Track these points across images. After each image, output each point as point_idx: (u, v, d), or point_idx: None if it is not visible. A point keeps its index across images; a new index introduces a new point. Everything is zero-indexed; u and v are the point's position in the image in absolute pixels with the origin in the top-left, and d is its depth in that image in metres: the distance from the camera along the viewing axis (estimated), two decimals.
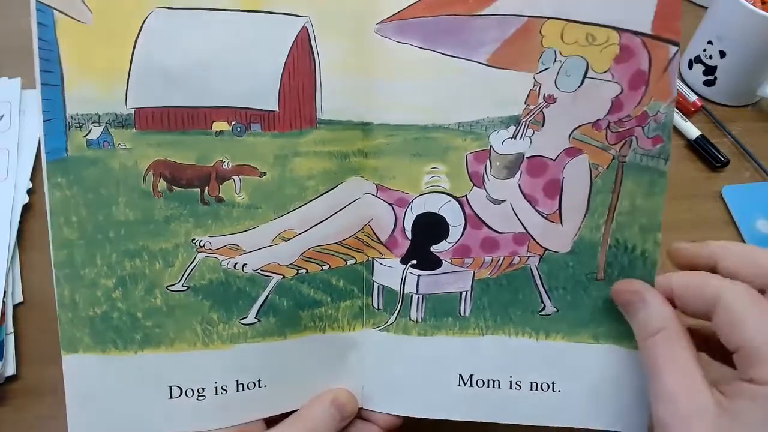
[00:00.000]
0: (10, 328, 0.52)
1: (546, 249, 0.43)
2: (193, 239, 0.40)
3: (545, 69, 0.41)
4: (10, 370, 0.50)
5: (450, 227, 0.42)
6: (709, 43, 0.72)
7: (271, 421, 0.41)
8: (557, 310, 0.43)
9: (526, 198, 0.42)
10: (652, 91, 0.41)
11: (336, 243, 0.42)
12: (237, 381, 0.41)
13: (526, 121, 0.41)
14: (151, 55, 0.38)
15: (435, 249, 0.43)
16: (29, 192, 0.61)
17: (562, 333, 0.43)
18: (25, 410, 0.49)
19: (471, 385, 0.43)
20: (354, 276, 0.42)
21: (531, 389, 0.43)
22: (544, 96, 0.41)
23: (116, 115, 0.38)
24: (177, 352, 0.40)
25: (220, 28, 0.39)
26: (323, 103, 0.40)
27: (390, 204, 0.42)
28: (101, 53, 0.38)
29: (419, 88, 0.41)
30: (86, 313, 0.39)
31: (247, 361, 0.41)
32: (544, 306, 0.43)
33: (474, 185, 0.42)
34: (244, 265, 0.41)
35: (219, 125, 0.39)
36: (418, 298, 0.43)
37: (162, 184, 0.39)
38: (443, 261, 0.43)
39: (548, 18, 0.40)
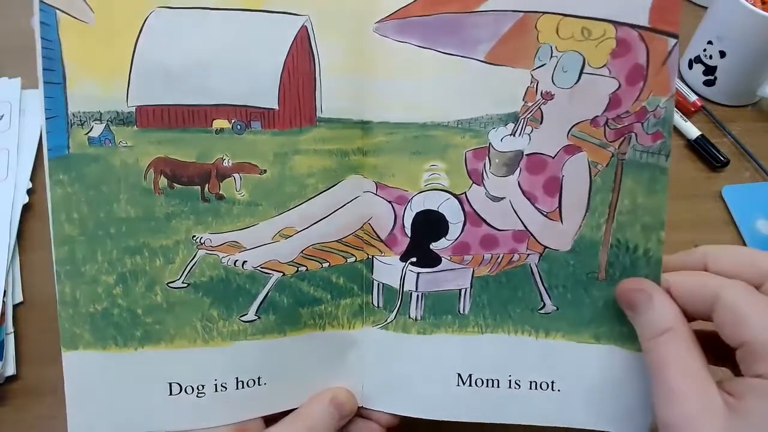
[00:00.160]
0: (10, 328, 0.52)
1: (546, 247, 0.42)
2: (194, 236, 0.40)
3: (542, 65, 0.40)
4: (10, 370, 0.50)
5: (449, 224, 0.42)
6: (709, 43, 0.72)
7: (270, 420, 0.41)
8: (557, 309, 0.42)
9: (525, 195, 0.42)
10: (650, 86, 0.40)
11: (336, 241, 0.42)
12: (237, 378, 0.41)
13: (524, 118, 0.41)
14: (152, 54, 0.38)
15: (434, 246, 0.42)
16: (29, 192, 0.60)
17: (562, 332, 0.42)
18: (25, 410, 0.48)
19: (470, 385, 0.43)
20: (354, 274, 0.42)
21: (530, 388, 0.42)
22: (541, 93, 0.40)
23: (117, 112, 0.38)
24: (177, 348, 0.40)
25: (220, 26, 0.38)
26: (323, 101, 0.40)
27: (389, 202, 0.42)
28: (103, 52, 0.38)
29: (418, 87, 0.41)
30: (87, 310, 0.39)
31: (247, 359, 0.41)
32: (544, 304, 0.42)
33: (473, 183, 0.42)
34: (245, 262, 0.40)
35: (219, 123, 0.39)
36: (418, 295, 0.42)
37: (163, 181, 0.39)
38: (442, 258, 0.42)
39: (543, 13, 0.39)
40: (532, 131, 0.41)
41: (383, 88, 0.40)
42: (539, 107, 0.41)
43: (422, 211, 0.42)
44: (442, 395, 0.43)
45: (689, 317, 0.38)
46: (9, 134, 0.65)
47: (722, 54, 0.71)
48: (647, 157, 0.40)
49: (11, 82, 0.69)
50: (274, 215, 0.40)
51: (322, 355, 0.42)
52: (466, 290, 0.43)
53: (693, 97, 0.74)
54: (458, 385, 0.43)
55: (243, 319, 0.40)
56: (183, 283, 0.40)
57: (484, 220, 0.42)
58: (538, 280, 0.42)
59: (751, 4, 0.65)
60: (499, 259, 0.43)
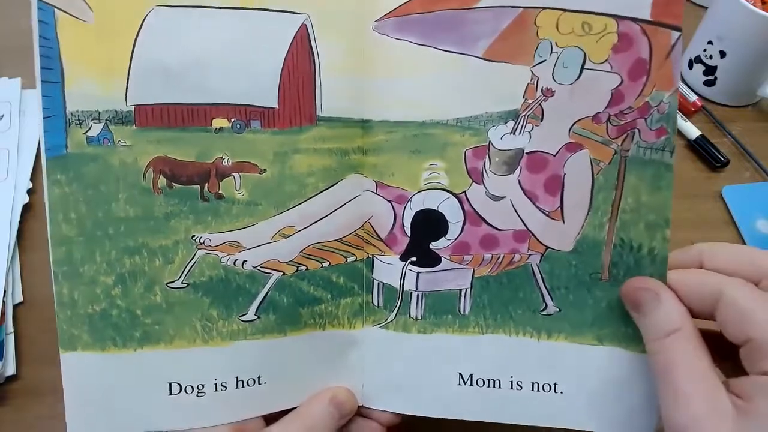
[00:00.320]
0: (10, 328, 0.51)
1: (547, 247, 0.41)
2: (193, 236, 0.39)
3: (542, 61, 0.39)
4: (10, 370, 0.49)
5: (449, 224, 0.41)
6: (709, 43, 0.71)
7: (270, 419, 0.40)
8: (559, 310, 0.41)
9: (526, 194, 0.40)
10: (654, 81, 0.38)
11: (336, 240, 0.41)
12: (237, 378, 0.40)
13: (524, 115, 0.39)
14: (151, 53, 0.37)
15: (434, 246, 0.41)
16: (29, 192, 0.59)
17: (564, 333, 0.41)
18: (25, 410, 0.48)
19: (471, 384, 0.42)
20: (354, 273, 0.41)
21: (532, 390, 0.41)
22: (542, 89, 0.39)
23: (116, 112, 0.37)
24: (176, 349, 0.39)
25: (219, 25, 0.37)
26: (323, 100, 0.39)
27: (389, 201, 0.41)
28: (101, 51, 0.36)
29: (417, 85, 0.39)
30: (85, 311, 0.38)
31: (246, 358, 0.40)
32: (546, 305, 0.41)
33: (473, 182, 0.40)
34: (244, 261, 0.39)
35: (219, 122, 0.38)
36: (418, 295, 0.41)
37: (162, 180, 0.38)
38: (442, 258, 0.41)
39: (543, 8, 0.38)
40: (532, 129, 0.40)
41: (383, 87, 0.39)
42: (540, 104, 0.39)
43: (422, 210, 0.41)
44: (443, 394, 0.42)
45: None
46: (9, 134, 0.64)
47: (722, 54, 0.70)
48: (651, 153, 0.39)
49: (11, 82, 0.68)
50: (274, 214, 0.39)
51: (322, 355, 0.41)
52: (466, 290, 0.42)
53: (693, 97, 0.73)
54: (459, 384, 0.42)
55: (243, 318, 0.39)
56: (182, 283, 0.39)
57: (484, 220, 0.41)
58: (540, 280, 0.41)
59: (751, 4, 0.64)
60: (500, 260, 0.41)
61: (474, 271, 0.41)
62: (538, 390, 0.41)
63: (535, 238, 0.41)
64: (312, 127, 0.39)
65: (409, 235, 0.41)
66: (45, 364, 0.48)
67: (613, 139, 0.39)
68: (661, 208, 0.39)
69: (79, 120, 0.37)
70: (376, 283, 0.42)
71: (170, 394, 0.39)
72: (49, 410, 0.46)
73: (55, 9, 0.36)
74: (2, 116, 0.65)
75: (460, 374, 0.42)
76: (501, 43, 0.39)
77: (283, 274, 0.40)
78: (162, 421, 0.39)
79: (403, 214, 0.41)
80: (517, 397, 0.41)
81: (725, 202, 0.64)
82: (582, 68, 0.38)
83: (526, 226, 0.41)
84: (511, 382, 0.41)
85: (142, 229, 0.38)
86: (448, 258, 0.41)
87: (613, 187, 0.40)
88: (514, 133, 0.40)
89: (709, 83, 0.73)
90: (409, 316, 0.41)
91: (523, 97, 0.39)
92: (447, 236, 0.41)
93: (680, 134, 0.70)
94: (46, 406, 0.47)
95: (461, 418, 0.42)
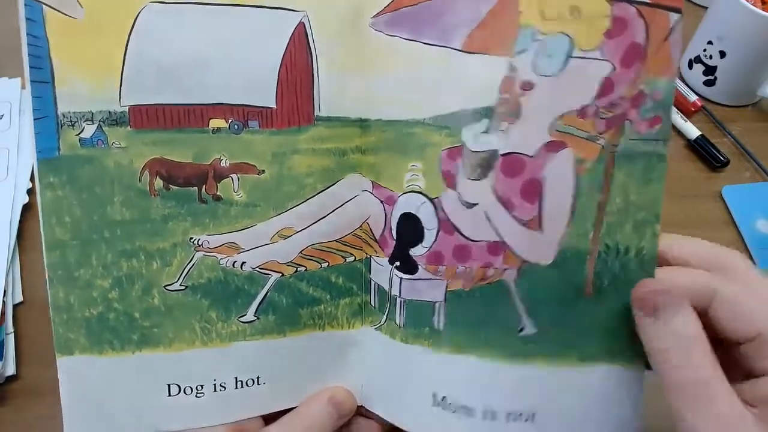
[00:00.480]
0: (10, 328, 0.49)
1: (525, 260, 0.36)
2: (191, 238, 0.37)
3: (522, 51, 0.34)
4: (10, 370, 0.47)
5: (425, 230, 0.37)
6: (709, 43, 0.69)
7: (269, 419, 0.39)
8: (539, 331, 0.36)
9: (500, 201, 0.36)
10: (649, 66, 0.33)
11: (335, 240, 0.39)
12: (236, 378, 0.38)
13: (499, 113, 0.35)
14: (145, 51, 0.35)
15: (413, 252, 0.38)
16: (29, 192, 0.58)
17: (543, 356, 0.36)
18: (25, 410, 0.46)
19: (444, 408, 0.38)
20: (353, 273, 0.40)
21: (507, 420, 0.37)
22: (520, 83, 0.34)
23: (110, 112, 0.35)
24: (175, 351, 0.37)
25: (215, 23, 0.35)
26: (321, 99, 0.37)
27: (382, 202, 0.39)
28: (93, 49, 0.34)
29: (403, 81, 0.37)
30: (82, 315, 0.36)
31: (246, 359, 0.38)
32: (524, 326, 0.36)
33: (447, 186, 0.37)
34: (243, 263, 0.38)
35: (216, 122, 0.36)
36: (401, 301, 0.39)
37: (158, 182, 0.36)
38: (419, 266, 0.38)
39: None
40: (507, 128, 0.35)
41: (378, 85, 0.37)
42: (517, 100, 0.35)
43: (403, 213, 0.38)
44: (421, 411, 0.39)
45: None
46: (9, 134, 0.62)
47: (722, 54, 0.69)
48: (642, 145, 0.35)
49: (11, 82, 0.66)
50: (273, 216, 0.38)
51: (322, 355, 0.40)
52: (440, 304, 0.38)
53: (693, 97, 0.71)
54: (434, 405, 0.38)
55: (242, 320, 0.38)
56: (181, 285, 0.37)
57: (457, 229, 0.37)
58: (517, 298, 0.36)
59: (751, 4, 0.63)
60: (473, 274, 0.37)
61: (447, 284, 0.38)
62: (515, 420, 0.37)
63: (511, 250, 0.36)
64: (310, 127, 0.37)
65: (395, 238, 0.39)
66: (45, 364, 0.46)
67: (600, 133, 0.34)
68: (652, 203, 0.35)
69: (71, 121, 0.35)
70: (373, 283, 0.40)
71: (169, 395, 0.38)
72: (49, 410, 0.45)
73: (44, 6, 0.34)
74: (2, 116, 0.64)
75: (434, 395, 0.38)
76: (479, 32, 0.35)
77: (282, 275, 0.38)
78: (160, 423, 0.38)
79: (391, 216, 0.39)
80: (491, 428, 0.37)
81: (725, 202, 0.63)
82: (567, 57, 0.34)
83: (500, 237, 0.36)
84: (485, 411, 0.37)
85: (138, 232, 0.36)
86: (424, 267, 0.38)
87: (599, 188, 0.35)
88: (488, 133, 0.35)
89: (709, 83, 0.72)
90: (395, 321, 0.39)
91: (499, 92, 0.35)
92: (423, 243, 0.38)
93: (680, 134, 0.69)
94: (46, 406, 0.46)
95: None
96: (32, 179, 0.58)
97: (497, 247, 0.36)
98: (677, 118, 0.68)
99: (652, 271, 0.35)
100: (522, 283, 0.36)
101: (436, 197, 0.37)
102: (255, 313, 0.38)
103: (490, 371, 0.37)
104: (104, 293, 0.36)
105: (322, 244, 0.39)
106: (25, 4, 0.33)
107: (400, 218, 0.38)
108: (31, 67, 0.34)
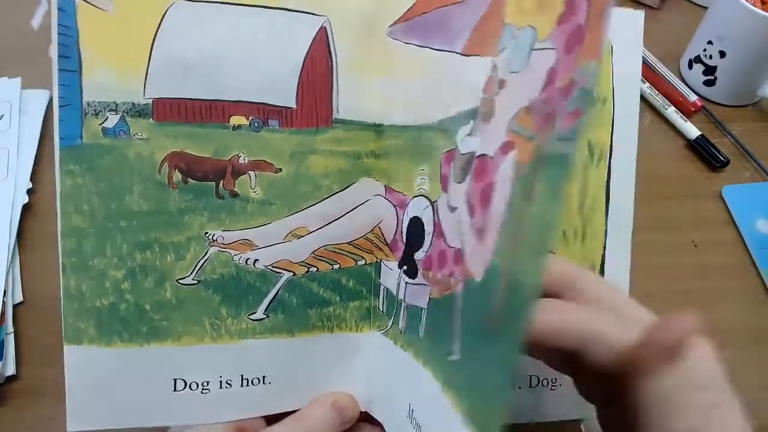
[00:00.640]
0: (10, 328, 0.48)
1: (468, 274, 0.32)
2: (206, 233, 0.36)
3: (503, 49, 0.32)
4: (10, 370, 0.46)
5: (425, 234, 0.37)
6: (709, 43, 0.68)
7: (271, 419, 0.38)
8: (461, 359, 0.31)
9: (468, 206, 0.32)
10: (584, 50, 0.27)
11: (347, 243, 0.39)
12: (242, 376, 0.38)
13: (481, 113, 0.33)
14: (172, 46, 0.35)
15: (416, 256, 0.38)
16: (29, 192, 0.56)
17: (456, 390, 0.31)
18: (25, 410, 0.45)
19: (411, 422, 0.35)
20: (363, 277, 0.39)
21: None
22: (498, 82, 0.32)
23: (134, 104, 0.35)
24: (184, 345, 0.37)
25: (240, 22, 0.36)
26: (339, 102, 0.37)
27: (395, 206, 0.39)
28: (121, 41, 0.34)
29: (416, 87, 0.37)
30: (92, 304, 0.35)
31: (253, 357, 0.38)
32: (452, 349, 0.32)
33: (442, 189, 0.35)
34: (256, 260, 0.37)
35: (237, 119, 0.36)
36: (404, 306, 0.38)
37: (177, 175, 0.36)
38: (418, 270, 0.37)
39: None
40: (484, 128, 0.32)
41: (394, 91, 0.38)
42: (493, 99, 0.32)
43: (412, 217, 0.38)
44: (401, 422, 0.37)
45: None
46: (9, 134, 0.61)
47: (722, 54, 0.68)
48: (559, 146, 0.27)
49: (11, 82, 0.65)
50: (288, 215, 0.37)
51: (329, 358, 0.39)
52: (424, 311, 0.36)
53: (693, 97, 0.70)
54: (408, 416, 0.36)
55: (252, 317, 0.37)
56: (193, 279, 0.36)
57: (442, 233, 0.35)
58: (454, 316, 0.32)
59: (751, 4, 0.63)
60: (444, 281, 0.34)
61: (430, 290, 0.36)
62: None
63: (463, 260, 0.33)
64: (328, 129, 0.37)
65: (404, 241, 0.39)
66: (45, 364, 0.46)
67: (538, 132, 0.28)
68: (544, 226, 0.26)
69: (95, 110, 0.34)
70: (382, 288, 0.40)
71: (175, 390, 0.37)
72: (49, 410, 0.44)
73: None
74: (2, 116, 0.62)
75: (409, 405, 0.36)
76: (475, 34, 0.35)
77: (294, 274, 0.38)
78: (164, 417, 0.37)
79: (402, 220, 0.39)
80: None
81: (725, 202, 0.62)
82: (531, 50, 0.30)
83: (461, 244, 0.33)
84: None
85: (155, 224, 0.36)
86: (421, 271, 0.37)
87: (524, 196, 0.28)
88: (471, 134, 0.33)
89: (709, 83, 0.71)
90: (398, 326, 0.39)
91: (483, 91, 0.33)
92: (423, 247, 0.37)
93: (680, 134, 0.67)
94: (46, 406, 0.44)
95: None
96: (32, 179, 0.57)
97: (458, 256, 0.33)
98: (677, 118, 0.67)
99: (533, 303, 0.26)
100: (463, 299, 0.32)
101: (435, 201, 0.37)
102: (265, 311, 0.37)
103: (437, 392, 0.33)
104: (117, 284, 0.36)
105: (334, 246, 0.38)
106: None
107: (409, 222, 0.38)
108: (59, 56, 0.34)
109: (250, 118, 0.36)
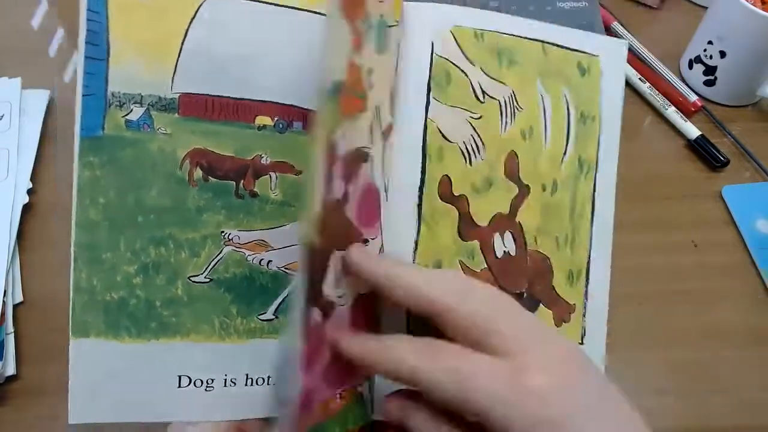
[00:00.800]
0: (10, 328, 0.46)
1: None
2: (222, 232, 0.35)
3: None
4: (10, 370, 0.44)
5: None
6: (709, 43, 0.67)
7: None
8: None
9: None
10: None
11: None
12: (247, 375, 0.36)
13: None
14: (203, 42, 0.34)
15: None
16: (29, 192, 0.55)
17: None
18: (25, 410, 0.43)
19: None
20: None
21: None
22: None
23: (160, 97, 0.34)
24: (191, 342, 0.35)
25: (272, 23, 0.35)
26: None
27: None
28: (152, 32, 0.34)
29: None
30: (102, 298, 0.34)
31: (259, 357, 0.37)
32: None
33: None
34: (270, 261, 0.36)
35: (262, 119, 0.35)
36: None
37: (198, 173, 0.35)
38: None
39: None
40: None
41: None
42: None
43: None
44: None
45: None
46: (9, 134, 0.59)
47: (722, 54, 0.67)
48: None
49: (11, 82, 0.63)
50: None
51: None
52: None
53: (693, 97, 0.68)
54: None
55: (261, 317, 0.36)
56: (206, 278, 0.35)
57: None
58: None
59: (751, 4, 0.62)
60: None
61: None
62: None
63: None
64: None
65: None
66: (45, 364, 0.44)
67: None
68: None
69: (120, 102, 0.34)
70: None
71: (179, 386, 0.35)
72: (49, 410, 0.42)
73: None
74: (2, 116, 0.61)
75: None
76: None
77: None
78: (167, 413, 0.36)
79: None
80: None
81: (725, 202, 0.60)
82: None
83: None
84: None
85: (171, 220, 0.35)
86: None
87: None
88: None
89: (709, 83, 0.69)
90: None
91: None
92: None
93: (680, 134, 0.66)
94: (46, 406, 0.42)
95: None
96: (32, 179, 0.55)
97: None
98: (677, 118, 0.66)
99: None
100: None
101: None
102: (275, 312, 0.36)
103: None
104: (128, 278, 0.34)
105: None
106: None
107: None
108: (87, 42, 0.33)
109: (275, 118, 0.36)
